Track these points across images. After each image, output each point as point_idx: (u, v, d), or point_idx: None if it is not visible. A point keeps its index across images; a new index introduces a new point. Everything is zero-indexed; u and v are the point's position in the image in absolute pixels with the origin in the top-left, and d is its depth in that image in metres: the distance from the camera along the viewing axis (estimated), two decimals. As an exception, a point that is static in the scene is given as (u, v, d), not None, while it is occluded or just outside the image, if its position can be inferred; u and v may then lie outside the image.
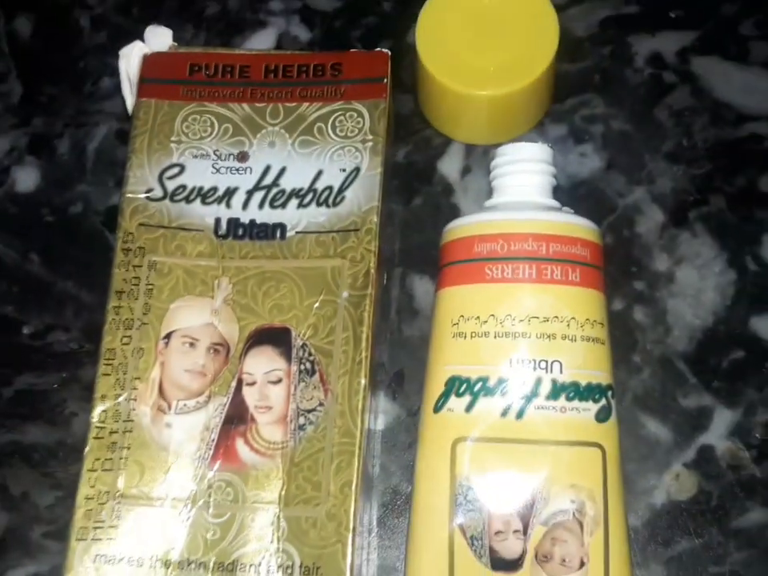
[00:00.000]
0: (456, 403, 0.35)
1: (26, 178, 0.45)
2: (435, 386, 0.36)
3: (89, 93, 0.47)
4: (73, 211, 0.45)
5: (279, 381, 0.34)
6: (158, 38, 0.38)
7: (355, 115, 0.37)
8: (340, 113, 0.37)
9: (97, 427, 0.33)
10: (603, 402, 0.35)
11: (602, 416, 0.35)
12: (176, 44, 0.39)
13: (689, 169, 0.43)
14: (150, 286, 0.35)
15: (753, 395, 0.39)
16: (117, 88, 0.41)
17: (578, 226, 0.37)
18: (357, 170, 0.36)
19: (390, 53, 0.37)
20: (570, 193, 0.43)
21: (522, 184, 0.38)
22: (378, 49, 0.38)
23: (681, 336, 0.40)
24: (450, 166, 0.44)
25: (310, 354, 0.34)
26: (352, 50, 0.38)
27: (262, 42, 0.47)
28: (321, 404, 0.33)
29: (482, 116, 0.43)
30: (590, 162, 0.43)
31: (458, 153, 0.44)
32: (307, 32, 0.47)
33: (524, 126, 0.44)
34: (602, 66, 0.45)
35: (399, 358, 0.41)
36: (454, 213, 0.43)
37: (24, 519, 0.39)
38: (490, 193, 0.39)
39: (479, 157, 0.44)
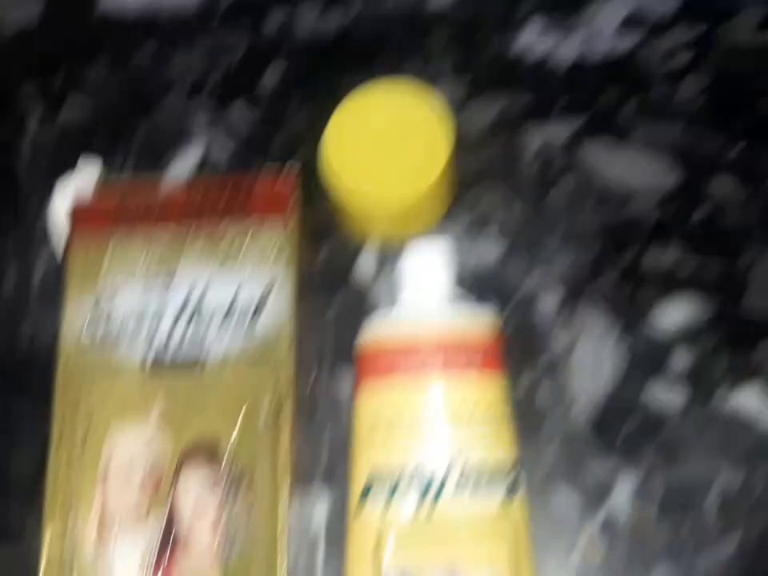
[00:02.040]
0: (376, 499, 0.39)
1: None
2: (356, 485, 0.40)
3: (30, 222, 0.49)
4: (22, 339, 0.47)
5: (211, 494, 0.37)
6: (88, 172, 0.42)
7: (268, 234, 0.40)
8: (255, 232, 0.40)
9: (47, 551, 0.37)
10: (509, 482, 0.39)
11: (509, 496, 0.39)
12: (104, 176, 0.42)
13: (582, 249, 0.47)
14: (90, 414, 0.38)
15: (651, 460, 0.43)
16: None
17: (476, 318, 0.41)
18: (271, 287, 0.40)
19: (297, 175, 0.41)
20: (474, 279, 0.47)
21: (424, 283, 0.42)
22: (286, 169, 0.41)
23: (583, 407, 0.44)
24: (365, 266, 0.48)
25: (237, 466, 0.37)
26: (263, 173, 0.42)
27: (188, 158, 0.50)
28: (249, 513, 0.37)
29: (390, 217, 0.46)
30: (493, 248, 0.47)
31: (372, 253, 0.48)
32: (228, 148, 0.50)
33: (431, 221, 0.48)
34: (497, 157, 0.49)
35: (328, 453, 0.44)
36: (373, 308, 0.47)
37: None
38: (400, 294, 0.43)
39: (392, 255, 0.47)
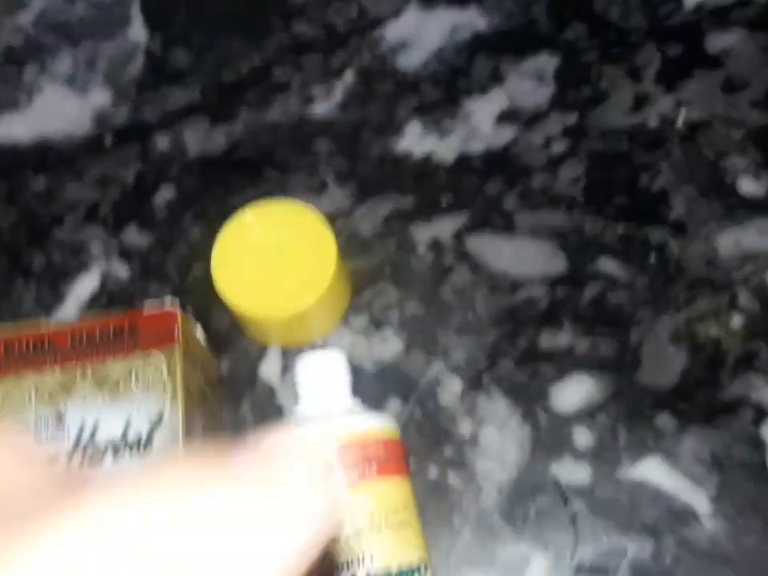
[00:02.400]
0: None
1: None
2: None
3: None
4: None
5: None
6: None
7: (154, 366, 0.41)
8: (140, 366, 0.41)
9: None
10: (419, 582, 0.39)
11: (419, 596, 0.39)
12: (-9, 321, 0.43)
13: (477, 338, 0.48)
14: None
15: (561, 537, 0.44)
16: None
17: (372, 427, 0.41)
18: (161, 415, 0.40)
19: (178, 310, 0.42)
20: (378, 375, 0.48)
21: (318, 393, 0.43)
22: (168, 302, 0.42)
23: (491, 492, 0.45)
24: (269, 369, 0.49)
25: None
26: (145, 309, 0.43)
27: (87, 285, 0.51)
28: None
29: (286, 329, 0.47)
30: (391, 345, 0.48)
31: (275, 356, 0.49)
32: (126, 269, 0.52)
33: (329, 325, 0.49)
34: (390, 257, 0.50)
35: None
36: (279, 413, 0.47)
37: None
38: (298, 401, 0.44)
39: (294, 357, 0.48)
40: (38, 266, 0.52)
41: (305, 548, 0.17)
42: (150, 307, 0.42)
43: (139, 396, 0.40)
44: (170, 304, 0.42)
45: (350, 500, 0.40)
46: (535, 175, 0.52)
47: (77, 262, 0.52)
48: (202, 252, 0.51)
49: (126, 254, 0.52)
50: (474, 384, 0.47)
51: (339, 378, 0.43)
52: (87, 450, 0.40)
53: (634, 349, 0.47)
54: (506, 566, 0.43)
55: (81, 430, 0.40)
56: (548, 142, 0.52)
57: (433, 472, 0.45)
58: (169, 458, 0.18)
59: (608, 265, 0.49)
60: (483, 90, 0.54)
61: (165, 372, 0.41)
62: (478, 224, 0.51)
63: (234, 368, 0.49)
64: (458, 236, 0.50)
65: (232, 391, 0.48)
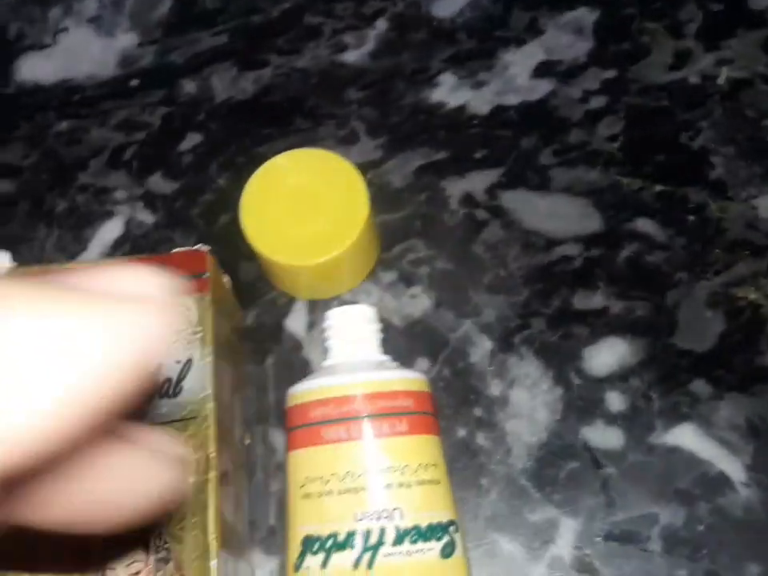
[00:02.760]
0: (312, 561, 0.38)
1: None
2: (293, 547, 0.39)
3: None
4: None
5: (138, 573, 0.36)
6: (-2, 262, 0.42)
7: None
8: (169, 309, 0.40)
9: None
10: (446, 538, 0.38)
11: (446, 552, 0.38)
12: (15, 264, 0.42)
13: (509, 297, 0.47)
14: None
15: (591, 502, 0.43)
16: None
17: (401, 380, 0.40)
18: (190, 360, 0.39)
19: (208, 249, 0.41)
20: (406, 332, 0.46)
21: (349, 345, 0.42)
22: (198, 246, 0.41)
23: (520, 454, 0.44)
24: (296, 323, 0.48)
25: (165, 542, 0.36)
26: (174, 251, 0.42)
27: (110, 231, 0.50)
28: (178, 594, 0.36)
29: (314, 280, 0.46)
30: (421, 302, 0.47)
31: (302, 310, 0.48)
32: (151, 216, 0.51)
33: (357, 279, 0.47)
34: (420, 211, 0.49)
35: (271, 513, 0.44)
36: (305, 366, 0.46)
37: None
38: (326, 354, 0.43)
39: (321, 311, 0.47)
40: (60, 211, 0.51)
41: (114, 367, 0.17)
42: (178, 254, 0.41)
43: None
44: (200, 249, 0.41)
45: (380, 453, 0.39)
46: (572, 130, 0.50)
47: (100, 208, 0.51)
48: (229, 201, 0.50)
49: (150, 200, 0.51)
50: (505, 344, 0.46)
51: (369, 332, 0.42)
52: (112, 395, 0.39)
53: (670, 312, 0.46)
54: (535, 529, 0.42)
55: (105, 376, 0.39)
56: (586, 97, 0.51)
57: (461, 432, 0.44)
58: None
59: (645, 225, 0.48)
60: (520, 41, 0.52)
61: (194, 317, 0.40)
62: (512, 179, 0.49)
63: (259, 320, 0.48)
64: (491, 191, 0.49)
65: (257, 343, 0.47)
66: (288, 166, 0.45)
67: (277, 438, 0.45)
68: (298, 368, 0.46)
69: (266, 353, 0.47)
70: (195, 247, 0.41)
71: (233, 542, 0.39)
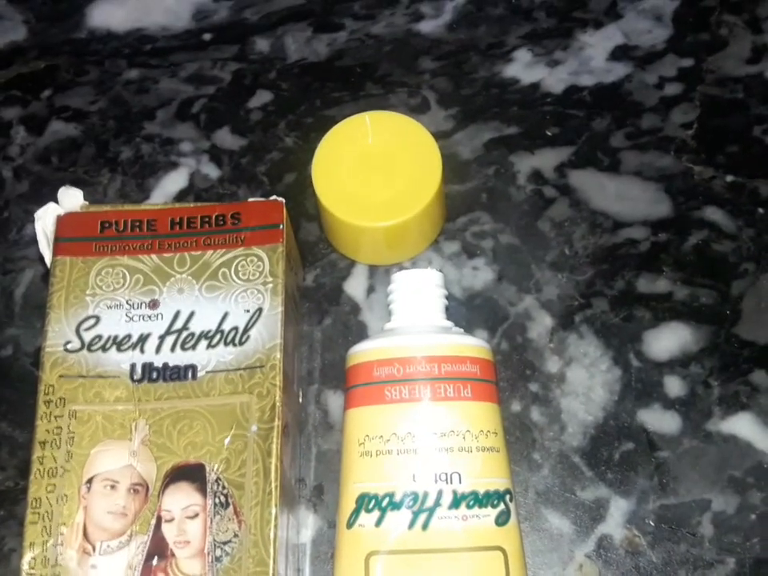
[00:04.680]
0: (366, 519, 0.38)
1: (-43, 326, 0.48)
2: (347, 504, 0.39)
3: (13, 240, 0.50)
4: (3, 354, 0.47)
5: (196, 515, 0.36)
6: (70, 199, 0.41)
7: (255, 260, 0.40)
8: (241, 258, 0.40)
9: (27, 574, 0.35)
10: (502, 506, 0.38)
11: (501, 520, 0.38)
12: (87, 203, 0.42)
13: (572, 275, 0.47)
14: (72, 434, 0.37)
15: (644, 484, 0.42)
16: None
17: (468, 346, 0.40)
18: (260, 310, 0.39)
19: (284, 201, 0.41)
20: (466, 304, 0.46)
21: (415, 308, 0.42)
22: (273, 197, 0.41)
23: (575, 432, 0.44)
24: (355, 286, 0.47)
25: (223, 488, 0.36)
26: (250, 200, 0.41)
27: (174, 182, 0.50)
28: (235, 535, 0.36)
29: (379, 243, 0.46)
30: (483, 274, 0.47)
31: (362, 274, 0.48)
32: (216, 170, 0.50)
33: (420, 247, 0.47)
34: (487, 185, 0.49)
35: (318, 472, 0.44)
36: (362, 330, 0.46)
37: None
38: (390, 316, 0.43)
39: (381, 276, 0.47)
40: (125, 158, 0.51)
41: None
42: (254, 202, 0.41)
43: (238, 289, 0.39)
44: (276, 199, 0.41)
45: (440, 416, 0.39)
46: (646, 115, 0.50)
47: (165, 158, 0.51)
48: (295, 161, 0.50)
49: (216, 155, 0.51)
50: (566, 322, 0.46)
51: (436, 297, 0.42)
52: (181, 335, 0.39)
53: (735, 302, 0.46)
54: (585, 508, 0.42)
55: (175, 318, 0.39)
56: (661, 83, 0.51)
57: (515, 406, 0.44)
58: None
59: (714, 214, 0.47)
60: (598, 24, 0.52)
61: (267, 266, 0.40)
62: (582, 159, 0.49)
63: (319, 281, 0.48)
64: (561, 169, 0.49)
65: (315, 304, 0.47)
66: (365, 127, 0.45)
67: (329, 398, 0.45)
68: (355, 331, 0.46)
69: (324, 314, 0.47)
70: (271, 198, 0.41)
71: (287, 496, 0.39)
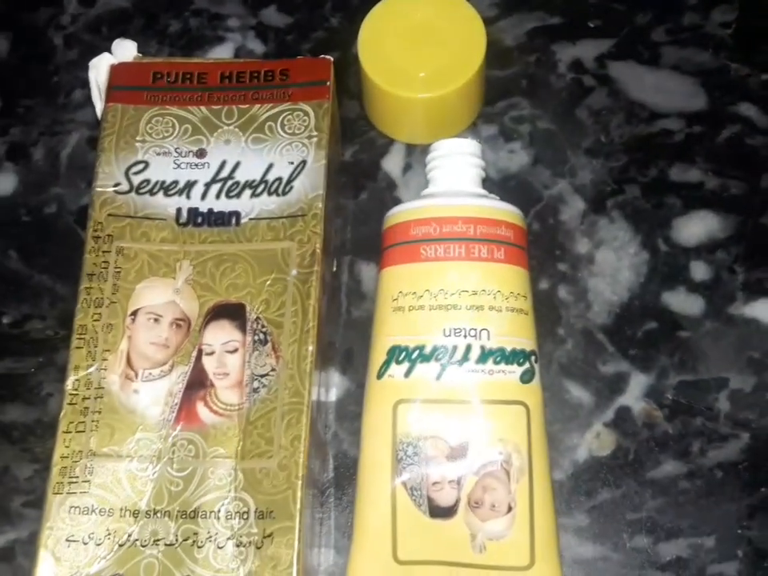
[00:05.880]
0: (396, 370, 0.40)
1: (5, 182, 0.49)
2: (378, 356, 0.40)
3: (62, 104, 0.51)
4: (48, 211, 0.49)
5: (235, 350, 0.38)
6: (124, 50, 0.43)
7: (302, 114, 0.41)
8: (288, 113, 0.41)
9: (71, 394, 0.37)
10: (527, 365, 0.39)
11: (525, 378, 0.39)
12: (140, 55, 0.43)
13: (606, 162, 0.48)
14: (118, 269, 0.39)
15: (665, 361, 0.44)
16: (88, 99, 0.45)
17: (503, 211, 0.41)
18: (303, 162, 0.40)
19: (332, 59, 0.42)
20: (501, 185, 0.47)
21: (453, 174, 0.43)
22: (322, 56, 0.42)
23: (600, 311, 0.45)
24: (392, 163, 0.49)
25: (262, 326, 0.38)
26: (299, 57, 0.43)
27: (220, 55, 0.51)
28: (273, 369, 0.37)
29: (419, 117, 0.47)
30: (518, 157, 0.48)
31: (399, 152, 0.49)
32: (262, 45, 0.51)
33: (458, 127, 0.48)
34: (528, 72, 0.50)
35: (348, 337, 0.45)
36: (397, 205, 0.47)
37: (4, 491, 0.43)
38: (427, 186, 0.44)
39: (418, 155, 0.48)
40: (173, 31, 0.52)
41: None
42: (304, 58, 0.42)
43: (283, 142, 0.40)
44: (324, 58, 0.42)
45: (473, 273, 0.40)
46: (686, 13, 0.51)
47: (212, 33, 0.52)
48: (339, 41, 0.51)
49: (262, 31, 0.52)
50: (598, 206, 0.47)
51: (475, 165, 0.43)
52: (226, 183, 0.40)
53: (764, 193, 0.46)
54: (606, 381, 0.44)
55: (221, 167, 0.40)
56: (704, -17, 0.51)
57: (543, 284, 0.46)
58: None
59: (749, 109, 0.48)
60: None
61: (312, 121, 0.41)
62: (623, 52, 0.50)
63: (357, 157, 0.49)
64: (601, 60, 0.50)
65: (352, 179, 0.48)
66: (411, 1, 0.46)
67: (362, 268, 0.46)
68: (390, 206, 0.47)
69: (361, 189, 0.48)
70: (320, 56, 0.42)
71: (321, 353, 0.40)
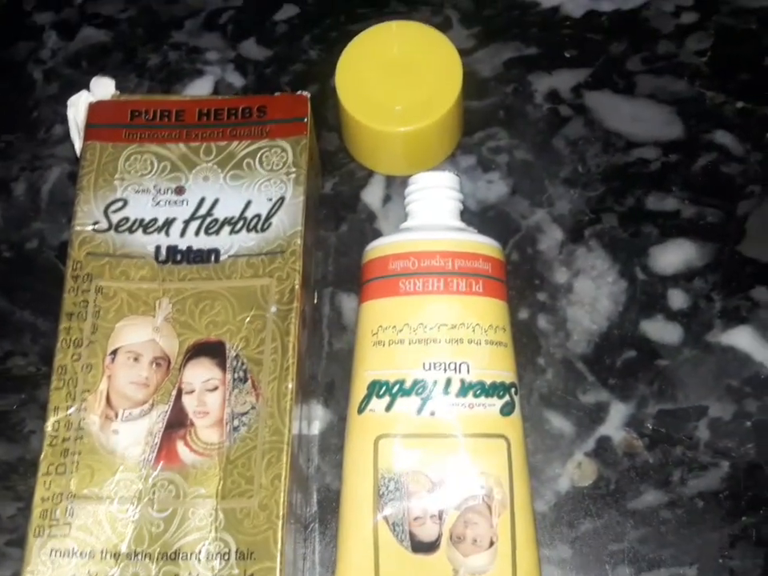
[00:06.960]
0: (377, 404, 0.40)
1: (-15, 218, 0.50)
2: (359, 390, 0.41)
3: (42, 139, 0.51)
4: (29, 247, 0.49)
5: (215, 388, 0.38)
6: (103, 88, 0.43)
7: (279, 151, 0.41)
8: (266, 149, 0.41)
9: (51, 436, 0.37)
10: (507, 398, 0.40)
11: (506, 410, 0.40)
12: (119, 92, 0.43)
13: (584, 192, 0.48)
14: (97, 308, 0.39)
15: (644, 390, 0.44)
16: (68, 134, 0.45)
17: (480, 244, 0.42)
18: (282, 198, 0.40)
19: (309, 95, 0.42)
20: (480, 216, 0.48)
21: (431, 208, 0.43)
22: (299, 92, 0.42)
23: (579, 340, 0.45)
24: (372, 195, 0.49)
25: (242, 364, 0.38)
26: (276, 94, 0.43)
27: (199, 89, 0.51)
28: (253, 407, 0.37)
29: (397, 150, 0.48)
30: (497, 188, 0.48)
31: (379, 183, 0.49)
32: (241, 79, 0.52)
33: (437, 158, 0.49)
34: (505, 102, 0.50)
35: (330, 370, 0.45)
36: (377, 237, 0.47)
37: (-13, 530, 0.43)
38: (406, 218, 0.44)
39: (398, 187, 0.49)
40: (152, 65, 0.52)
41: None
42: (282, 95, 0.42)
43: (262, 178, 0.41)
44: (302, 94, 0.42)
45: (452, 308, 0.40)
46: (661, 42, 0.51)
47: (191, 66, 0.52)
48: (318, 73, 0.51)
49: (241, 64, 0.52)
50: (575, 235, 0.47)
51: (452, 198, 0.43)
52: (205, 220, 0.40)
53: (740, 221, 0.47)
54: (586, 410, 0.44)
55: (200, 204, 0.41)
56: (678, 12, 0.52)
57: (523, 314, 0.46)
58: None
59: (724, 137, 0.49)
60: (619, -48, 0.53)
61: (290, 157, 0.41)
62: (599, 81, 0.50)
63: (337, 189, 0.49)
64: (577, 90, 0.50)
65: (332, 211, 0.48)
66: (391, 34, 0.47)
67: (343, 301, 0.46)
68: (370, 238, 0.47)
69: (340, 220, 0.48)
70: (297, 92, 0.42)
71: (301, 387, 0.40)
